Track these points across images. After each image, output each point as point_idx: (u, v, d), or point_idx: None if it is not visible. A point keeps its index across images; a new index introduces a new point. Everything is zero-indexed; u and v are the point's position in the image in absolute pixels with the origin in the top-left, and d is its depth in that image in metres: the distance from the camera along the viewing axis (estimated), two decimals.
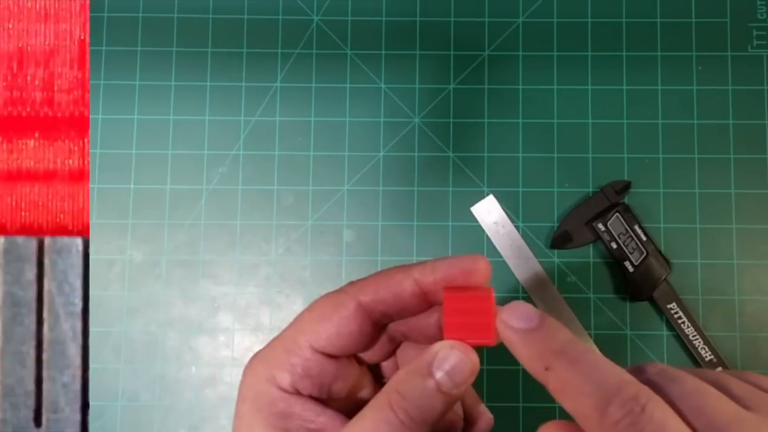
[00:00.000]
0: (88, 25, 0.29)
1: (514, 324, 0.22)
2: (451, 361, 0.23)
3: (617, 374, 0.20)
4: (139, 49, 0.47)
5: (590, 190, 0.47)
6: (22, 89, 0.28)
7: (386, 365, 0.29)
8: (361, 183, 0.47)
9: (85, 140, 0.29)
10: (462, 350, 0.23)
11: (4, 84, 0.27)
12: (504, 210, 0.46)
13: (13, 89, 0.28)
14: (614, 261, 0.46)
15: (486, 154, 0.47)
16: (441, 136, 0.47)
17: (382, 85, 0.48)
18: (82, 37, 0.28)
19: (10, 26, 0.27)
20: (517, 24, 0.48)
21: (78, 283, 0.27)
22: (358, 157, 0.47)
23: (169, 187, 0.47)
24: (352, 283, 0.26)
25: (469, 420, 0.29)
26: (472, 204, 0.47)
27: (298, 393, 0.25)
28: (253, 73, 0.48)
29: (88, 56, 0.29)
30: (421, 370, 0.23)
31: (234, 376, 0.46)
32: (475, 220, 0.47)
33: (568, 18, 0.48)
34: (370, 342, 0.26)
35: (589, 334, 0.45)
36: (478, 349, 0.24)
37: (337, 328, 0.25)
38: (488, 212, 0.47)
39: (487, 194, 0.47)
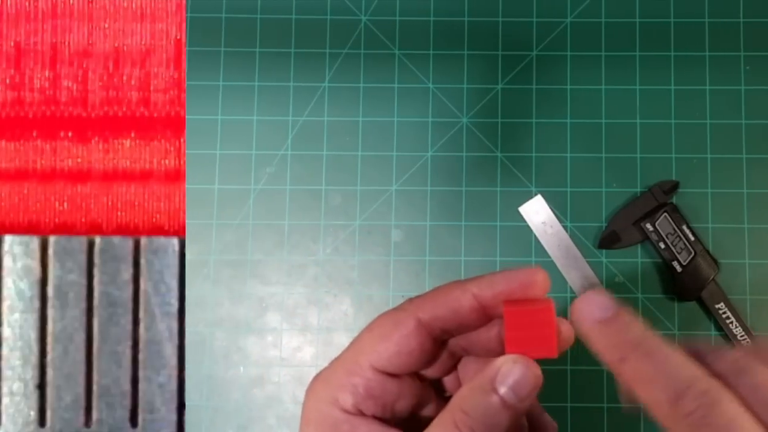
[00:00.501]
0: (184, 24, 0.29)
1: (591, 315, 0.22)
2: (514, 376, 0.23)
3: (689, 368, 0.21)
4: (187, 49, 0.47)
5: (638, 190, 0.47)
6: (119, 89, 0.28)
7: (448, 380, 0.29)
8: (409, 183, 0.47)
9: (181, 140, 0.29)
10: (525, 363, 0.23)
11: (101, 84, 0.27)
12: (552, 210, 0.46)
13: (110, 89, 0.28)
14: (662, 261, 0.46)
15: (534, 154, 0.47)
16: (489, 136, 0.47)
17: (431, 85, 0.48)
18: (178, 37, 0.28)
19: (107, 26, 0.27)
20: (565, 24, 0.48)
21: (174, 283, 0.27)
22: (406, 157, 0.47)
23: (218, 187, 0.47)
24: (410, 301, 0.26)
25: (533, 430, 0.29)
26: (520, 204, 0.47)
27: (361, 414, 0.25)
28: (302, 73, 0.48)
29: (184, 56, 0.29)
30: (484, 386, 0.23)
31: (282, 376, 0.46)
32: (523, 220, 0.47)
33: (616, 18, 0.48)
34: (430, 359, 0.26)
35: None
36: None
37: (397, 347, 0.25)
38: (536, 212, 0.47)
39: (535, 194, 0.47)
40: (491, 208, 0.47)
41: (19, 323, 0.27)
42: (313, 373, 0.46)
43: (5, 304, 0.27)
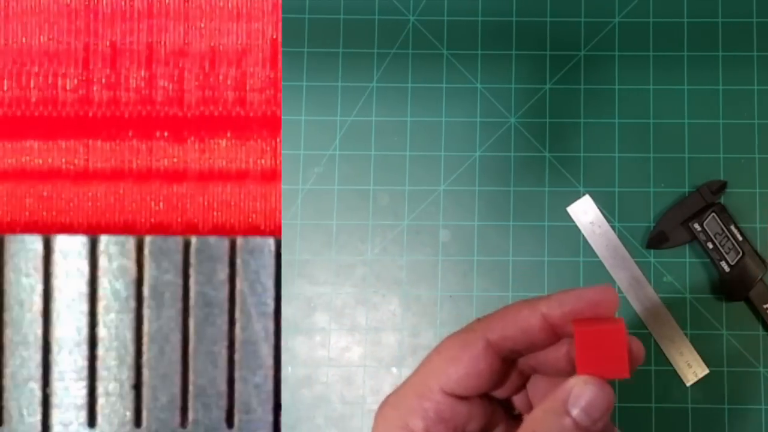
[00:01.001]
0: (280, 24, 0.29)
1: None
2: (586, 397, 0.22)
3: None
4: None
5: (686, 190, 0.47)
6: (214, 89, 0.28)
7: (517, 399, 0.28)
8: (457, 183, 0.47)
9: (278, 140, 0.29)
10: (596, 385, 0.23)
11: (197, 83, 0.27)
12: (600, 210, 0.46)
13: (206, 89, 0.28)
14: (710, 261, 0.46)
15: (582, 154, 0.47)
16: (537, 136, 0.47)
17: (478, 85, 0.48)
18: (274, 36, 0.28)
19: (203, 25, 0.27)
20: (613, 24, 0.48)
21: (270, 283, 0.27)
22: (454, 157, 0.47)
23: None
24: (478, 321, 0.26)
25: None
26: (568, 204, 0.47)
27: None
28: (350, 73, 0.48)
29: (280, 55, 0.29)
30: (556, 409, 0.23)
31: (330, 376, 0.46)
32: (571, 220, 0.47)
33: (664, 18, 0.48)
34: (500, 380, 0.26)
35: (685, 334, 0.45)
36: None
37: (467, 369, 0.25)
38: (584, 212, 0.47)
39: (583, 194, 0.47)
40: (539, 208, 0.47)
41: (115, 323, 0.27)
42: (361, 373, 0.46)
43: (101, 305, 0.27)
